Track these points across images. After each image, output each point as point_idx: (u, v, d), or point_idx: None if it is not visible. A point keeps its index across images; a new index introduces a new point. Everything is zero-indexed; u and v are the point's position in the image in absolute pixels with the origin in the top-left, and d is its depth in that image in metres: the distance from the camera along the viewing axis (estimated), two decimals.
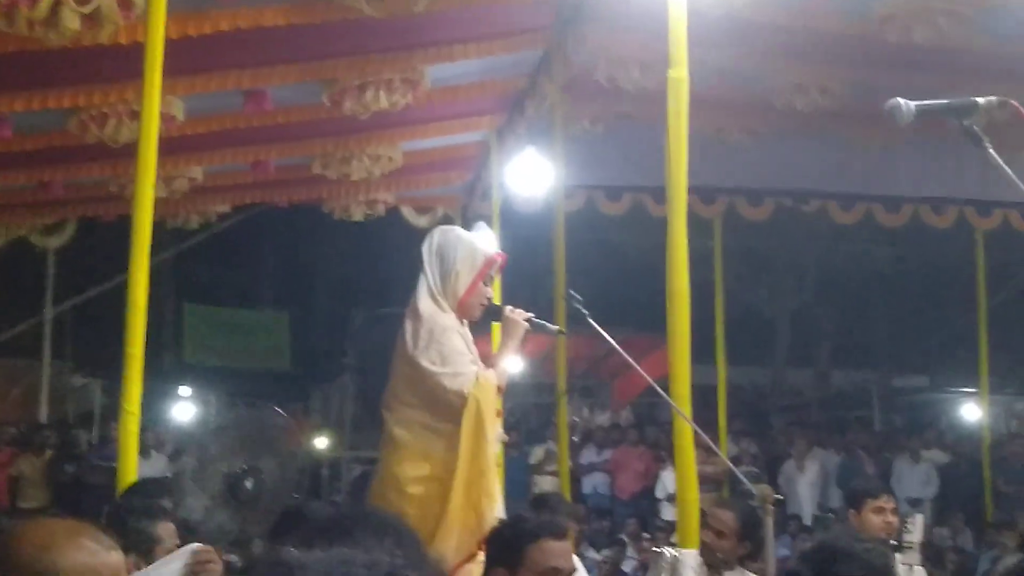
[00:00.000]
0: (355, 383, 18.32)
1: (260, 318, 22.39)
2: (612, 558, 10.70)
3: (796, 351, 21.39)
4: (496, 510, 4.02)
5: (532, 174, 8.92)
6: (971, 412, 15.75)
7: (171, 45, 4.91)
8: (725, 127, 9.49)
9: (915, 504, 12.49)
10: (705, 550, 4.62)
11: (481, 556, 3.51)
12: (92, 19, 5.30)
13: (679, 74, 4.63)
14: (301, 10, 6.07)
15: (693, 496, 4.46)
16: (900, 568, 4.52)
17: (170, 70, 4.88)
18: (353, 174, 9.21)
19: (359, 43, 6.92)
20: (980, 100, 2.22)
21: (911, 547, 4.59)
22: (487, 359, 4.20)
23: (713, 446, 4.52)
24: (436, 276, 4.13)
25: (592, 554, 10.73)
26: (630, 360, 4.13)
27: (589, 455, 13.84)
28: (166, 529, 3.41)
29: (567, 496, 7.62)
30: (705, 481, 10.37)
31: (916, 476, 13.20)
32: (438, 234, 4.21)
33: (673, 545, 4.78)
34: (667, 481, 11.70)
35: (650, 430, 14.40)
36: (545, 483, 12.46)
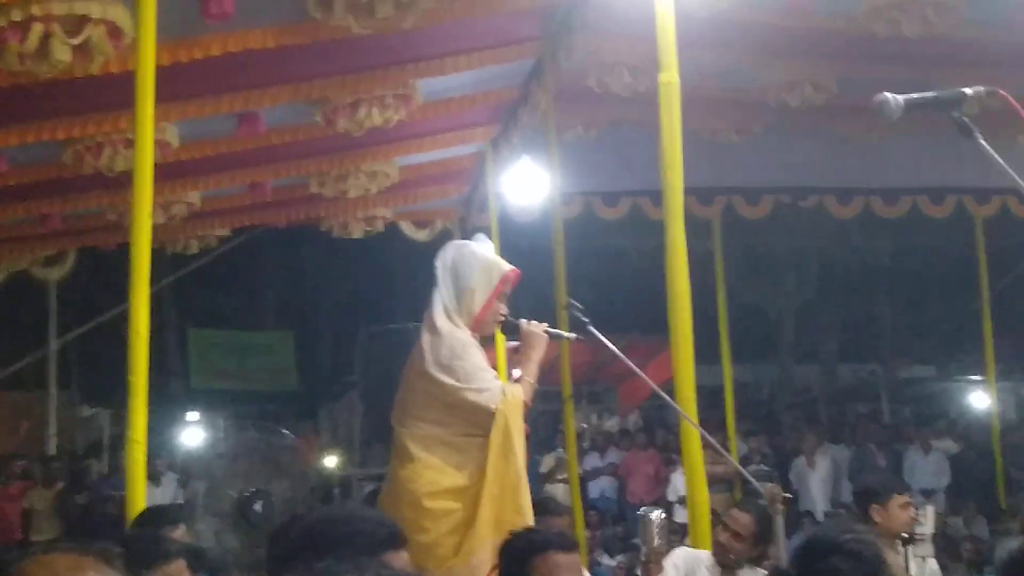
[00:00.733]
0: (363, 400, 18.33)
1: (265, 339, 22.41)
2: (626, 563, 10.68)
3: (801, 347, 21.40)
4: (527, 525, 3.98)
5: (529, 183, 8.93)
6: (980, 400, 15.74)
7: (162, 72, 4.92)
8: (720, 127, 9.49)
9: (928, 495, 12.47)
10: (719, 549, 4.62)
11: None
12: (82, 50, 5.32)
13: (670, 78, 4.63)
14: (290, 32, 6.08)
15: (703, 498, 4.46)
16: (913, 561, 4.51)
17: (163, 97, 4.90)
18: (350, 191, 9.21)
19: (350, 61, 6.93)
20: (968, 91, 2.22)
21: (923, 539, 4.59)
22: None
23: (720, 448, 4.51)
24: (451, 293, 4.12)
25: (606, 560, 10.72)
26: (633, 367, 4.13)
27: (592, 460, 13.84)
28: (177, 567, 3.39)
29: (577, 503, 7.62)
30: (716, 481, 10.41)
31: (928, 467, 13.19)
32: (452, 249, 4.19)
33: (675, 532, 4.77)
34: (678, 483, 11.69)
35: (659, 433, 14.39)
36: (556, 492, 12.45)
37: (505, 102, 8.50)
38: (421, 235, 11.21)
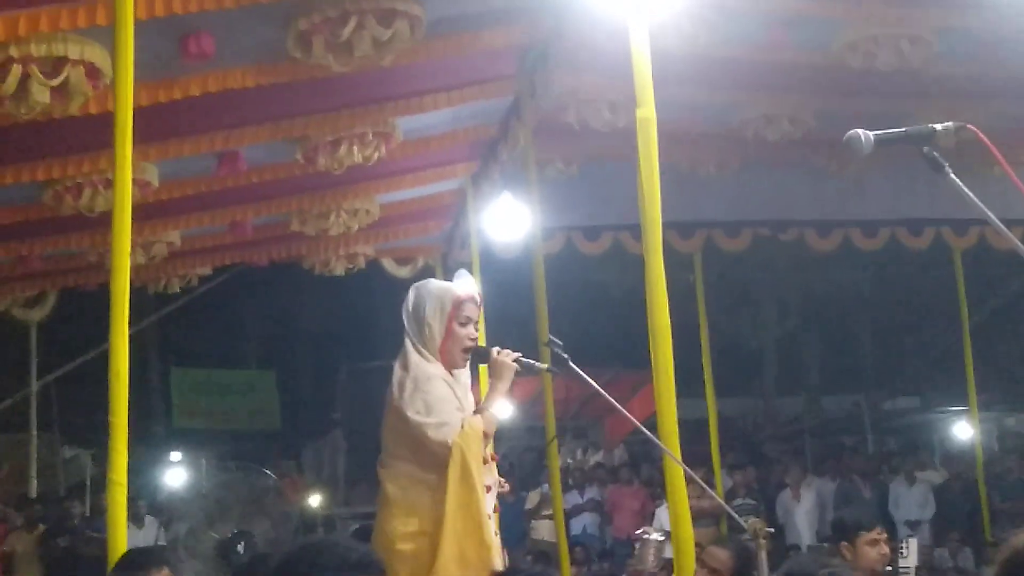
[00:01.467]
0: (346, 438, 18.26)
1: (247, 378, 22.31)
2: None
3: (785, 379, 21.44)
4: (494, 560, 3.96)
5: (509, 219, 8.95)
6: (963, 431, 15.77)
7: (142, 112, 4.92)
8: (699, 161, 9.57)
9: (913, 526, 12.48)
10: None
11: None
12: (61, 91, 5.32)
13: (647, 113, 4.66)
14: (269, 71, 6.10)
15: (688, 533, 4.44)
16: None
17: (142, 136, 4.90)
18: (331, 229, 9.21)
19: (329, 99, 6.96)
20: (938, 126, 2.24)
21: (907, 572, 4.59)
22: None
23: (702, 484, 4.50)
24: (415, 331, 4.14)
25: None
26: (615, 404, 4.12)
27: (573, 497, 13.79)
28: None
29: (562, 539, 7.59)
30: (702, 516, 10.37)
31: (913, 498, 13.19)
32: (412, 292, 4.22)
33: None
34: (663, 518, 11.64)
35: (645, 467, 14.36)
36: (542, 528, 12.40)
37: (484, 139, 8.54)
38: (403, 272, 11.21)
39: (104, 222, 6.14)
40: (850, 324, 21.61)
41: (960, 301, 11.79)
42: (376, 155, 7.43)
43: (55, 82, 5.23)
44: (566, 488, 13.92)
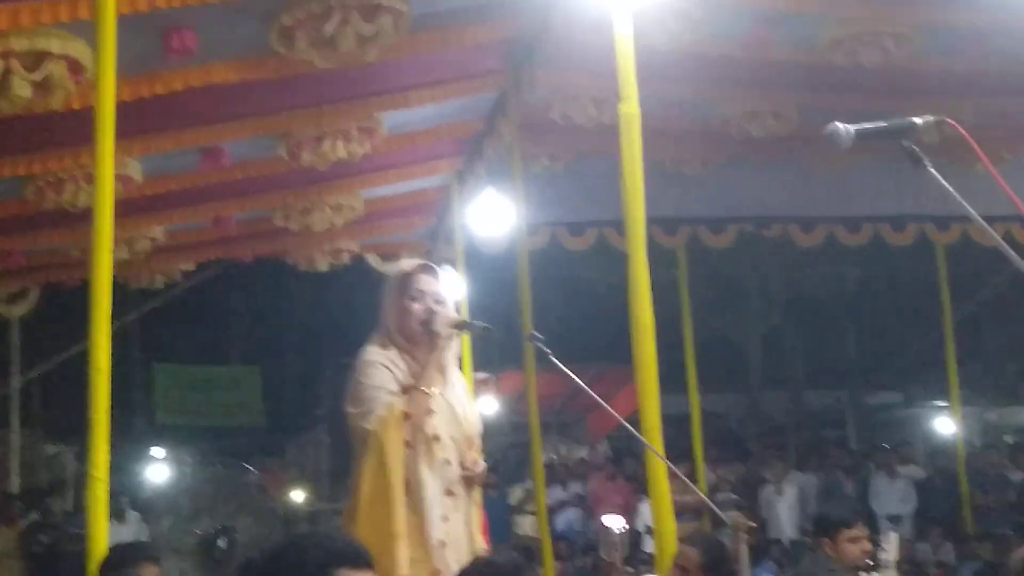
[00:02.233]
0: (330, 434, 18.24)
1: (231, 374, 22.26)
2: None
3: (768, 375, 21.48)
4: (402, 553, 3.82)
5: (494, 214, 8.95)
6: (945, 426, 15.85)
7: (125, 107, 4.90)
8: (683, 158, 9.58)
9: (895, 521, 12.51)
10: None
11: None
12: (43, 86, 5.30)
13: (630, 109, 4.67)
14: (253, 66, 6.08)
15: (670, 528, 4.46)
16: None
17: (125, 131, 4.88)
18: (315, 225, 9.19)
19: (313, 95, 6.95)
20: (918, 120, 2.25)
21: (888, 566, 4.61)
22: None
23: (684, 478, 4.51)
24: (379, 322, 4.12)
25: None
26: (598, 399, 4.12)
27: (556, 493, 13.80)
28: None
29: (545, 534, 7.60)
30: (685, 511, 10.40)
31: (894, 493, 13.22)
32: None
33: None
34: (646, 513, 11.67)
35: (628, 462, 14.38)
36: (525, 523, 12.42)
37: (470, 134, 8.54)
38: (387, 268, 11.18)
39: (87, 218, 6.10)
40: (834, 320, 21.66)
41: (943, 297, 11.85)
42: (360, 151, 7.41)
43: (37, 77, 5.20)
44: (550, 483, 13.95)
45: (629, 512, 12.94)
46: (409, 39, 6.02)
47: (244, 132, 7.15)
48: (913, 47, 6.93)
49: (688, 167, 9.67)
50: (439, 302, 4.11)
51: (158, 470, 16.27)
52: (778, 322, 20.93)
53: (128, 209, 7.77)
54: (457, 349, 4.25)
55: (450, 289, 4.22)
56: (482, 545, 4.20)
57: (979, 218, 2.28)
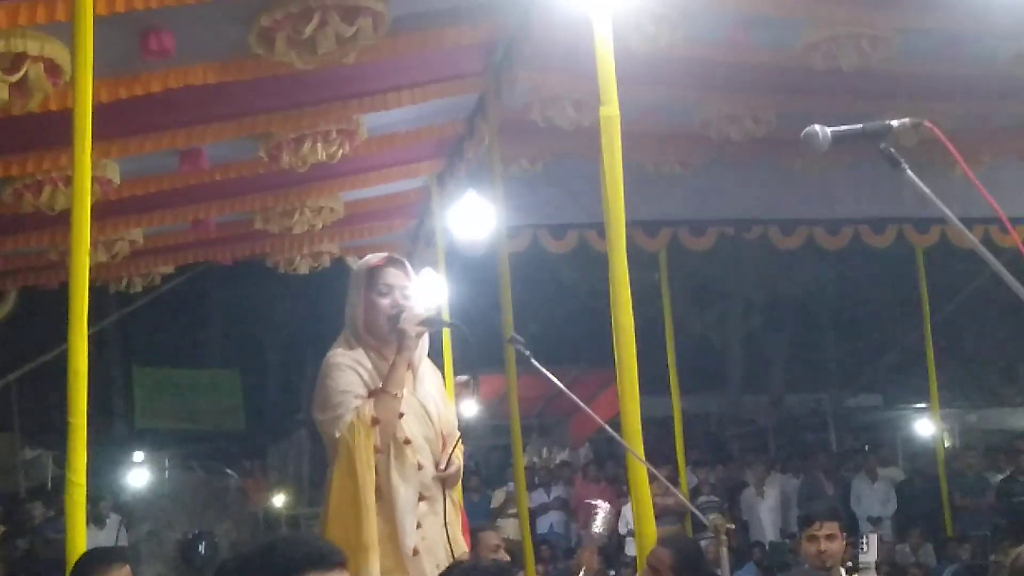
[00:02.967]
0: (311, 438, 18.17)
1: (211, 378, 22.14)
2: None
3: (749, 378, 21.55)
4: (373, 564, 3.75)
5: (475, 217, 8.93)
6: (924, 427, 15.93)
7: (103, 109, 4.87)
8: (664, 160, 9.59)
9: (876, 523, 12.59)
10: None
11: None
12: (20, 88, 5.26)
13: (610, 112, 4.67)
14: (231, 68, 6.05)
15: (650, 530, 4.45)
16: None
17: (104, 133, 4.86)
18: (295, 227, 9.16)
19: (293, 96, 6.92)
20: (894, 123, 2.25)
21: (867, 567, 4.61)
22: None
23: (665, 481, 4.51)
24: (345, 322, 4.08)
25: None
26: (578, 401, 4.10)
27: (539, 496, 13.81)
28: None
29: (527, 537, 7.59)
30: (667, 513, 10.43)
31: (875, 495, 13.30)
32: None
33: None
34: (628, 516, 11.68)
35: (610, 465, 14.40)
36: (508, 526, 12.40)
37: (450, 136, 8.52)
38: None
39: (65, 220, 6.07)
40: (814, 322, 21.75)
41: (922, 299, 11.91)
42: (340, 153, 7.39)
43: (14, 78, 5.16)
44: (532, 487, 13.94)
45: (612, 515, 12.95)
46: (389, 41, 6.00)
47: (223, 134, 7.11)
48: (890, 50, 6.96)
49: (668, 170, 9.69)
50: (407, 297, 4.05)
51: (138, 474, 16.18)
52: (759, 325, 21.00)
53: (106, 211, 7.75)
54: (426, 346, 4.17)
55: (420, 285, 4.18)
56: (463, 547, 4.15)
57: (956, 220, 2.28)
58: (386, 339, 4.00)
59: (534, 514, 13.22)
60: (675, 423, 11.48)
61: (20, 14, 4.90)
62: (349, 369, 3.95)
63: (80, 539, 4.06)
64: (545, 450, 17.42)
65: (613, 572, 10.93)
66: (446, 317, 7.88)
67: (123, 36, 5.37)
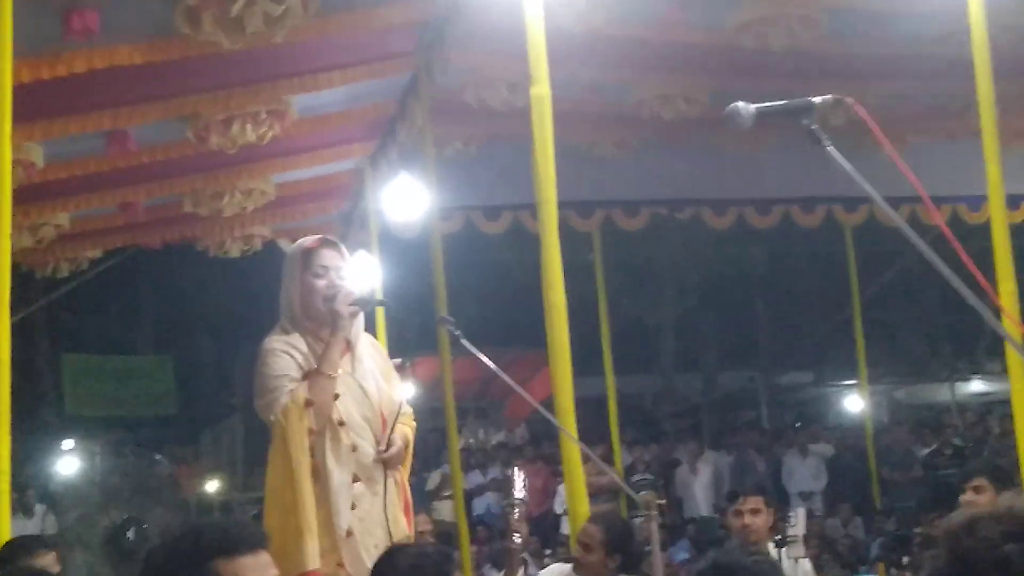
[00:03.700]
0: (244, 423, 18.03)
1: (143, 363, 21.86)
2: None
3: (682, 357, 21.76)
4: (310, 546, 3.73)
5: (408, 199, 8.87)
6: (853, 404, 16.21)
7: (25, 89, 4.76)
8: (597, 141, 9.60)
9: (807, 497, 12.79)
10: (578, 566, 4.62)
11: None
12: None
13: (541, 91, 4.67)
14: (158, 48, 5.94)
15: (583, 510, 4.48)
16: (786, 563, 4.60)
17: (26, 115, 4.74)
18: (225, 210, 9.04)
19: (221, 77, 6.81)
20: (816, 100, 2.27)
21: (795, 540, 4.68)
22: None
23: (597, 460, 4.53)
24: (281, 307, 4.05)
25: (494, 573, 10.70)
26: (511, 382, 4.09)
27: (475, 477, 13.84)
28: None
29: (462, 518, 7.60)
30: (601, 492, 10.49)
31: (806, 470, 13.51)
32: None
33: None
34: (563, 496, 11.75)
35: (546, 445, 14.46)
36: (443, 508, 12.42)
37: (382, 117, 8.46)
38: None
39: None
40: (746, 301, 21.99)
41: (851, 278, 12.09)
42: (270, 134, 7.30)
43: None
44: (469, 468, 13.96)
45: (547, 495, 13.02)
46: (318, 20, 5.93)
47: (150, 115, 6.98)
48: (818, 30, 7.03)
49: (602, 150, 9.70)
50: (343, 278, 4.03)
51: (67, 462, 15.93)
52: (691, 304, 21.18)
53: (30, 195, 7.56)
54: (361, 325, 4.14)
55: (355, 267, 4.15)
56: (404, 529, 4.11)
57: (881, 199, 2.30)
58: (323, 321, 3.97)
59: (470, 495, 13.24)
60: (609, 402, 11.55)
61: None
62: (283, 354, 3.92)
63: (5, 529, 3.99)
64: (482, 431, 17.44)
65: (549, 551, 10.98)
66: (380, 298, 7.84)
67: (44, 14, 5.25)
